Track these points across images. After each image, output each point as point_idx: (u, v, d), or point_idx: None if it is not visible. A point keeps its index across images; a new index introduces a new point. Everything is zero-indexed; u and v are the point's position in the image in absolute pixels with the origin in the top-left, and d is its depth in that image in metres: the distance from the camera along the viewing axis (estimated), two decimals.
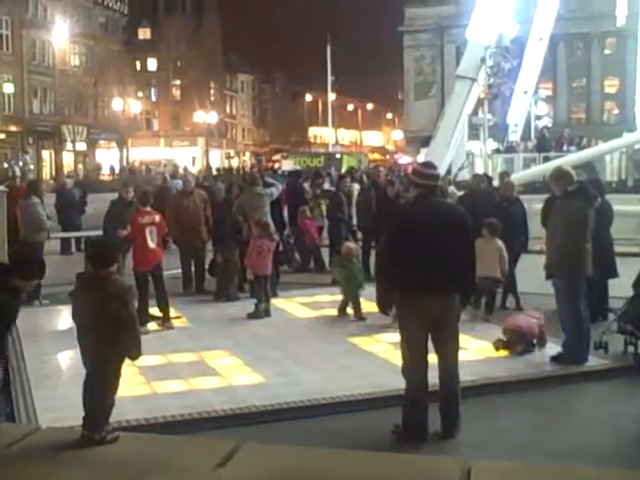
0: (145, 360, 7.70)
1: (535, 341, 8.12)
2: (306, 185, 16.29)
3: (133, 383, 7.08)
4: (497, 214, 10.12)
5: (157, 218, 9.79)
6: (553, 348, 7.95)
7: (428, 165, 6.28)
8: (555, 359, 7.69)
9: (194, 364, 7.80)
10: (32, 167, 46.98)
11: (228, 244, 11.33)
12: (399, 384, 6.06)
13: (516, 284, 10.44)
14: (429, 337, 5.91)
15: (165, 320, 9.57)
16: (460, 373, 6.07)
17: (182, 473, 4.45)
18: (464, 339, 8.09)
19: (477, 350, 8.12)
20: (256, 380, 7.25)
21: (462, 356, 7.61)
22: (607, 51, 55.58)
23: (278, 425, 6.19)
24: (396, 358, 6.69)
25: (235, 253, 11.28)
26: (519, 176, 19.68)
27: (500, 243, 9.76)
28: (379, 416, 6.29)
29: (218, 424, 6.18)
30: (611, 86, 56.08)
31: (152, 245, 9.59)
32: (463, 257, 5.88)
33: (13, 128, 51.72)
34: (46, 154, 56.55)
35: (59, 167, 53.05)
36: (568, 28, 46.97)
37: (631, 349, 7.93)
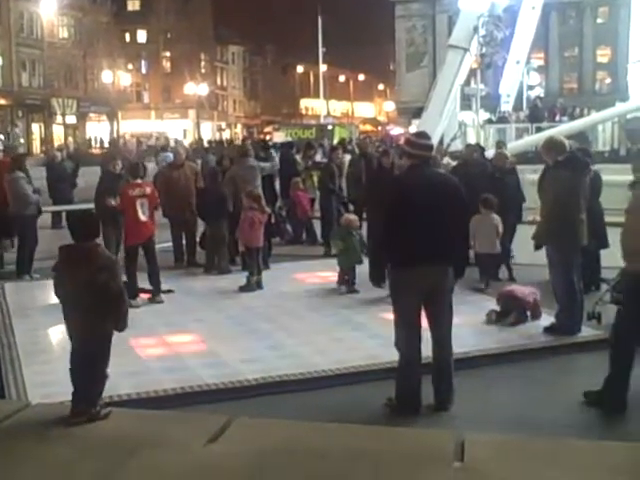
0: (136, 334, 7.70)
1: (529, 312, 8.09)
2: (298, 157, 16.19)
3: (124, 357, 7.01)
4: (491, 185, 10.06)
5: (148, 190, 9.64)
6: (546, 319, 7.93)
7: (422, 135, 6.19)
8: (548, 330, 7.67)
9: (185, 337, 7.75)
10: (22, 141, 46.63)
11: (214, 216, 11.23)
12: (392, 356, 6.03)
13: (509, 255, 10.40)
14: (422, 309, 5.86)
15: (155, 294, 9.49)
16: (453, 345, 6.03)
17: (173, 449, 4.41)
18: (456, 310, 8.07)
19: (470, 321, 8.07)
20: (248, 353, 7.19)
21: (455, 328, 7.57)
22: (599, 20, 55.20)
23: (270, 399, 6.14)
24: (389, 330, 6.64)
25: (222, 225, 11.19)
26: (512, 146, 19.56)
27: (497, 218, 9.71)
28: (372, 389, 6.25)
29: (210, 398, 6.12)
30: (603, 55, 55.77)
31: (143, 218, 9.45)
32: (457, 228, 5.81)
33: (2, 101, 51.26)
34: (36, 127, 56.12)
35: (49, 140, 52.65)
36: None
37: None
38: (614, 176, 12.19)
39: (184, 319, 8.49)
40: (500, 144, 13.78)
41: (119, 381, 6.25)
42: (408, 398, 5.78)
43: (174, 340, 7.66)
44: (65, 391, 5.92)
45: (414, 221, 5.67)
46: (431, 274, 5.72)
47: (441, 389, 5.84)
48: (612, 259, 8.78)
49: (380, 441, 4.67)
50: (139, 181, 9.73)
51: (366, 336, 7.68)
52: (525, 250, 9.44)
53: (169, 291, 9.79)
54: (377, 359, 6.80)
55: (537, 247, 7.82)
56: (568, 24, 56.05)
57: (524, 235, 9.62)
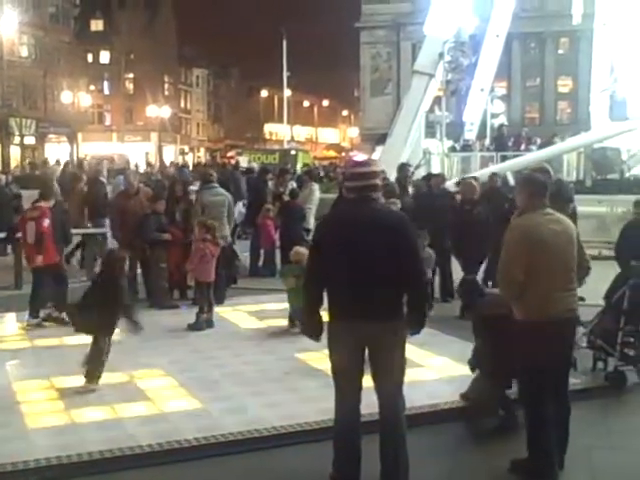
0: (67, 382, 6.95)
1: None
2: (271, 183, 15.61)
3: (49, 411, 6.26)
4: (459, 218, 9.54)
5: (37, 213, 9.35)
6: None
7: (358, 163, 5.18)
8: None
9: (122, 386, 6.92)
10: None
11: (150, 244, 10.53)
12: None
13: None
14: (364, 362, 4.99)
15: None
16: (417, 396, 5.31)
17: None
18: (421, 355, 7.47)
19: (438, 368, 7.42)
20: (192, 406, 6.44)
21: (419, 375, 6.99)
22: (560, 51, 55.73)
23: (210, 462, 5.43)
24: None
25: (157, 255, 10.46)
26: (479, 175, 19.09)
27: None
28: (327, 449, 5.52)
29: (145, 462, 5.37)
30: (564, 86, 56.26)
31: (29, 241, 9.32)
32: (406, 274, 4.83)
33: None
34: None
35: (5, 161, 51.36)
36: (522, 27, 46.64)
37: (600, 365, 7.38)
38: (580, 207, 11.71)
39: (122, 364, 7.62)
40: (470, 178, 13.18)
41: (39, 442, 5.55)
42: (345, 469, 5.00)
43: (108, 389, 6.82)
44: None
45: (337, 268, 4.82)
46: (365, 330, 4.80)
47: (388, 457, 4.94)
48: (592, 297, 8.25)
49: None
50: (42, 204, 9.46)
51: (323, 384, 6.84)
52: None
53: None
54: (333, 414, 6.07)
55: None
56: (530, 54, 56.46)
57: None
